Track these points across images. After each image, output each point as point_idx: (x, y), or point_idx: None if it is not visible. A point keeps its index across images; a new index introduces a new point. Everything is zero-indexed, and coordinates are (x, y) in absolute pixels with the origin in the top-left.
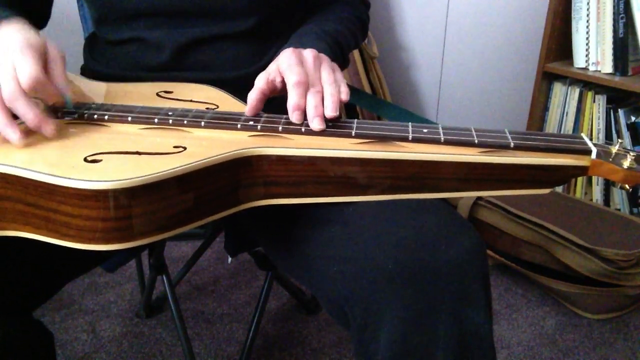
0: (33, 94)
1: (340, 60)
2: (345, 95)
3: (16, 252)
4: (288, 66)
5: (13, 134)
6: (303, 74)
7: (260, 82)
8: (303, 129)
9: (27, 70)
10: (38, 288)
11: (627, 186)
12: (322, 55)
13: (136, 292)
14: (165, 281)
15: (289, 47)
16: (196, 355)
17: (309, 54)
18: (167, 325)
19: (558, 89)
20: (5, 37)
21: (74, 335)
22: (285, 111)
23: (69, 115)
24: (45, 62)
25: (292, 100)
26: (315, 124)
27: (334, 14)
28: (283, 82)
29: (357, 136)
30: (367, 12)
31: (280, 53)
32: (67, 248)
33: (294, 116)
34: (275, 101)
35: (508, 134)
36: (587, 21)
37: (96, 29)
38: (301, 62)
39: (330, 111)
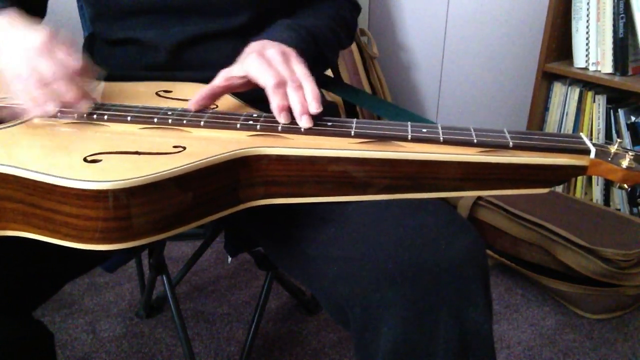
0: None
1: (314, 51)
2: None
3: (16, 252)
4: (257, 70)
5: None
6: (277, 75)
7: (218, 80)
8: (302, 129)
9: (73, 55)
10: (38, 288)
11: (625, 186)
12: (288, 50)
13: (136, 292)
14: (165, 281)
15: (256, 39)
16: (196, 355)
17: (272, 52)
18: (167, 325)
19: (558, 89)
20: (10, 25)
21: (74, 335)
22: None
23: (69, 115)
24: None
25: (275, 103)
26: (304, 122)
27: (317, 11)
28: (241, 82)
29: (357, 136)
30: (353, 13)
31: (245, 52)
32: (67, 248)
33: (281, 117)
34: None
35: (507, 134)
36: (587, 21)
37: (93, 28)
38: (269, 62)
39: (315, 108)
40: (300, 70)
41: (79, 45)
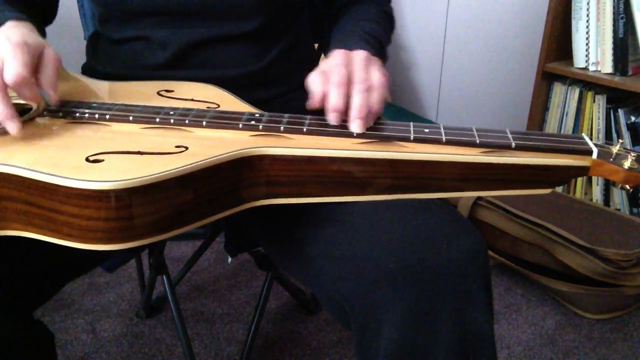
0: (16, 90)
1: (384, 59)
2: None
3: (17, 252)
4: (334, 65)
5: (12, 124)
6: (345, 75)
7: (315, 85)
8: (305, 129)
9: (14, 67)
10: (38, 288)
11: (627, 186)
12: (374, 58)
13: (136, 292)
14: (165, 281)
15: (335, 48)
16: (196, 355)
17: (358, 55)
18: (167, 325)
19: (558, 89)
20: (5, 33)
21: (74, 335)
22: (286, 111)
23: (71, 115)
24: (38, 63)
25: (332, 101)
26: (356, 126)
27: (366, 13)
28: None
29: (359, 136)
30: (390, 5)
31: (330, 54)
32: (68, 248)
33: (331, 117)
34: (276, 101)
35: (509, 134)
36: (587, 21)
37: (100, 28)
38: (347, 63)
39: (372, 119)
40: (376, 76)
41: (59, 63)
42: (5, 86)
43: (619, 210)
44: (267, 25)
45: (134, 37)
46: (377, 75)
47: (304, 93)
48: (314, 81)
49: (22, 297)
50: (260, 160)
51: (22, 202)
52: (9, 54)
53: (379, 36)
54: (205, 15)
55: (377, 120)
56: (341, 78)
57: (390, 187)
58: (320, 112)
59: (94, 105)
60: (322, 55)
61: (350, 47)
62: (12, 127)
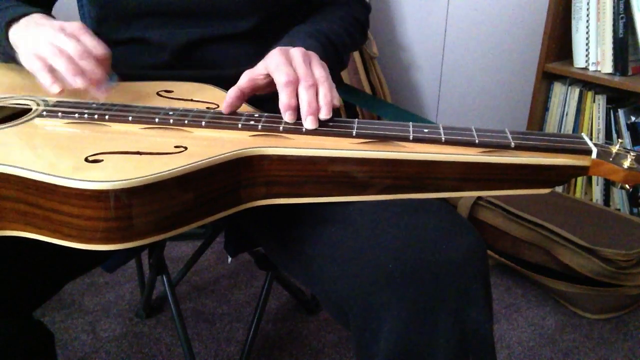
0: (98, 63)
1: (334, 58)
2: (337, 100)
3: (16, 252)
4: (276, 66)
5: (82, 80)
6: (292, 73)
7: (243, 80)
8: (304, 129)
9: (94, 40)
10: (38, 288)
11: (627, 186)
12: (311, 52)
13: (136, 292)
14: (165, 281)
15: (277, 46)
16: (196, 355)
17: (296, 51)
18: (167, 325)
19: (558, 89)
20: (44, 21)
21: (74, 335)
22: None
23: (70, 115)
24: None
25: (283, 100)
26: (309, 123)
27: (330, 14)
28: (266, 81)
29: (358, 136)
30: (365, 14)
31: (269, 53)
32: (67, 248)
33: (286, 116)
34: (275, 101)
35: (509, 134)
36: (587, 21)
37: (97, 29)
38: (289, 61)
39: (325, 114)
40: (319, 72)
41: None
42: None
43: (619, 210)
44: (263, 24)
45: (131, 39)
46: (319, 70)
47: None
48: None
49: (22, 297)
50: (259, 161)
51: (22, 202)
52: (79, 30)
53: (332, 35)
54: (201, 15)
55: (376, 120)
56: (288, 77)
57: (389, 187)
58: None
59: (94, 105)
60: None
61: (293, 44)
62: (104, 92)
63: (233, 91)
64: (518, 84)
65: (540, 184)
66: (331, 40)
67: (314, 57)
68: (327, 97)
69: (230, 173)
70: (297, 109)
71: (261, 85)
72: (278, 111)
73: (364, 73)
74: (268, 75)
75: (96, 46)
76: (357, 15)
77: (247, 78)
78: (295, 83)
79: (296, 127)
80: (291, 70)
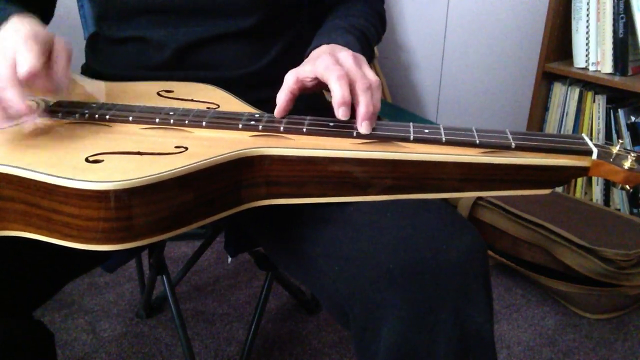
0: (29, 84)
1: (368, 53)
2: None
3: (17, 252)
4: (326, 66)
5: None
6: (343, 71)
7: (290, 81)
8: (304, 129)
9: (27, 60)
10: (38, 288)
11: (627, 187)
12: (359, 56)
13: (136, 292)
14: (165, 281)
15: (318, 44)
16: (196, 355)
17: (345, 55)
18: (167, 325)
19: (558, 89)
20: (12, 27)
21: (74, 335)
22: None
23: (70, 115)
24: (49, 56)
25: (338, 94)
26: (364, 128)
27: (356, 10)
28: (313, 83)
29: (359, 136)
30: (382, 6)
31: (314, 54)
32: (68, 248)
33: (340, 112)
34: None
35: (509, 135)
36: (587, 21)
37: (98, 27)
38: (338, 62)
39: (374, 121)
40: (372, 76)
41: (70, 53)
42: (21, 80)
43: (619, 210)
44: (264, 23)
45: (131, 38)
46: (371, 73)
47: (304, 94)
48: (290, 77)
49: (22, 297)
50: (260, 161)
51: (22, 203)
52: (21, 46)
53: (365, 31)
54: (201, 14)
55: (377, 120)
56: (340, 72)
57: (390, 188)
58: (319, 112)
59: (94, 105)
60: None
61: (333, 38)
62: (30, 121)
63: (284, 94)
64: (518, 84)
65: (540, 184)
66: (365, 35)
67: (363, 61)
68: (379, 104)
69: (231, 173)
70: (350, 104)
71: (308, 87)
72: None
73: None
74: (315, 78)
75: (26, 66)
76: (378, 8)
77: (295, 79)
78: (347, 77)
79: (296, 127)
80: (342, 68)
